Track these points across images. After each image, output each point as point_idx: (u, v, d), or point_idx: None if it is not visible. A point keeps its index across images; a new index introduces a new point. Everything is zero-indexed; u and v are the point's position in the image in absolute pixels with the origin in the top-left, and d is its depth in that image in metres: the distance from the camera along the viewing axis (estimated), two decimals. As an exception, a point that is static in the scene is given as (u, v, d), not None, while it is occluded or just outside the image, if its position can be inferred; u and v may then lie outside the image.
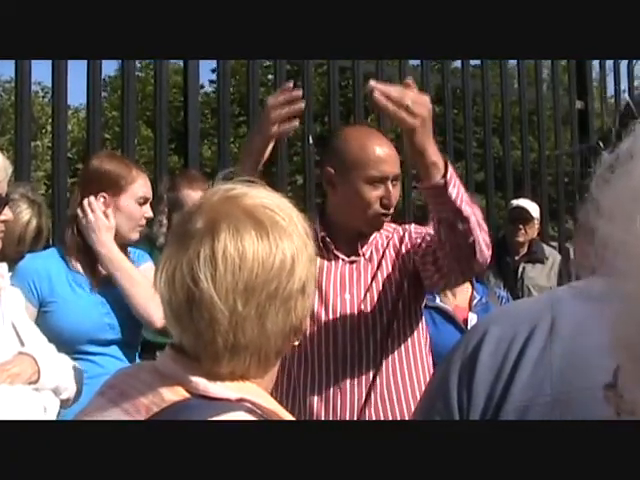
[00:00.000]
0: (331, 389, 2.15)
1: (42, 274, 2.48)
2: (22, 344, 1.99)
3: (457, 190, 1.89)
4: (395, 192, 2.16)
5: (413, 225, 2.32)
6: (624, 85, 6.44)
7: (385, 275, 2.21)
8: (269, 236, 1.05)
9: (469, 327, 2.38)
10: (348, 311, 2.17)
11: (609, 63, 6.30)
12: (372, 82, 1.86)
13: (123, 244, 2.61)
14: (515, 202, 4.83)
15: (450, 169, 1.88)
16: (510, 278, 4.53)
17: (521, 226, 4.60)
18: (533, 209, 4.69)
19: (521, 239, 4.61)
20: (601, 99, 6.48)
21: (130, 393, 1.09)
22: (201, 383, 1.05)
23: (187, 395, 1.05)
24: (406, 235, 2.23)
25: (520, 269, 4.57)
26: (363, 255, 2.22)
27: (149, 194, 2.66)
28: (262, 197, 1.10)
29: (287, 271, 1.05)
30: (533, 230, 4.67)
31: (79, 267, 2.54)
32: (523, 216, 4.61)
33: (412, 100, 1.82)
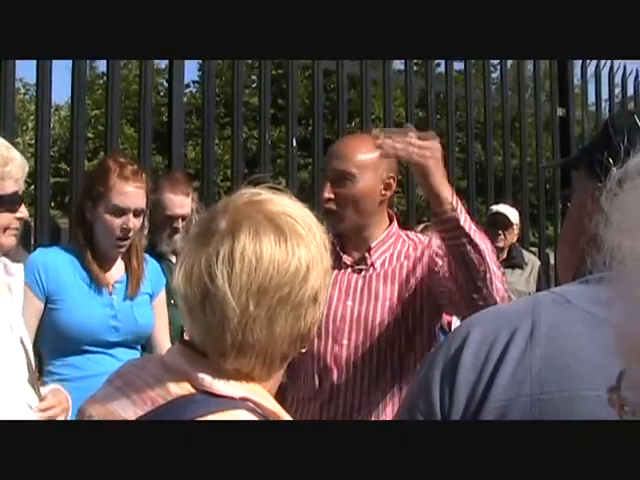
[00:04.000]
0: (327, 393, 2.17)
1: (50, 268, 2.46)
2: (26, 354, 2.01)
3: (468, 222, 1.91)
4: None
5: (435, 242, 2.16)
6: (605, 93, 6.52)
7: (396, 286, 2.18)
8: (287, 242, 1.08)
9: (452, 329, 2.39)
10: (348, 317, 2.17)
11: (590, 71, 6.37)
12: (376, 133, 1.91)
13: (108, 254, 2.56)
14: (494, 208, 4.86)
15: (459, 202, 1.90)
16: (490, 283, 4.57)
17: (500, 231, 4.64)
18: (512, 214, 4.72)
19: (500, 244, 4.65)
20: (582, 106, 6.55)
21: (137, 384, 1.12)
22: (207, 379, 1.08)
23: (192, 390, 1.08)
24: (426, 252, 2.18)
25: (500, 274, 4.60)
26: (373, 264, 2.20)
27: (127, 203, 2.48)
28: (285, 205, 1.13)
29: (301, 278, 1.08)
30: (512, 235, 4.71)
31: (92, 266, 2.51)
32: (502, 221, 4.65)
33: (419, 144, 1.88)
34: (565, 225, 1.08)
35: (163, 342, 2.67)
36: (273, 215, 1.10)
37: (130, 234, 2.52)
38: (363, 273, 2.21)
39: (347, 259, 2.23)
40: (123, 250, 2.56)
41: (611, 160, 0.63)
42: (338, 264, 2.20)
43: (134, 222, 2.52)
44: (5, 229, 1.97)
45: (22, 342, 2.03)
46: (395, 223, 2.28)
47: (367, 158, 2.16)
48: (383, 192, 2.20)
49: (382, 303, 2.17)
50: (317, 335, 2.15)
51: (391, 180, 2.21)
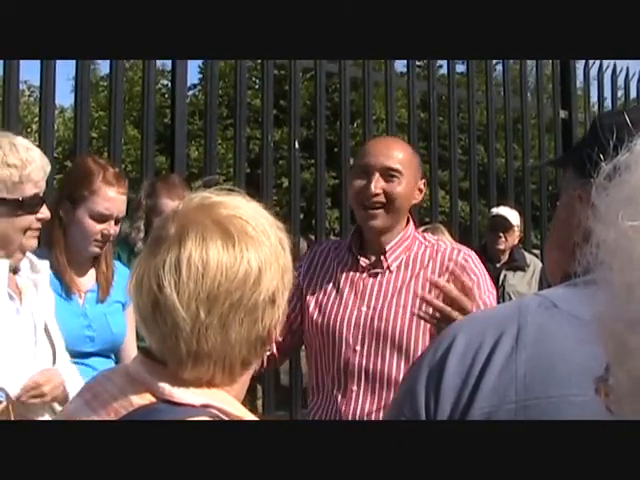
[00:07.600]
0: (338, 399, 2.17)
1: None
2: (52, 347, 2.02)
3: None
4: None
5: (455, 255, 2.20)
6: (607, 95, 6.51)
7: (412, 294, 2.16)
8: (235, 246, 1.05)
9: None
10: (362, 324, 2.17)
11: (593, 73, 6.37)
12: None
13: (81, 258, 2.51)
14: (494, 210, 4.85)
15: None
16: (491, 285, 4.56)
17: (501, 234, 4.64)
18: (512, 216, 4.72)
19: (501, 247, 4.65)
20: (585, 108, 6.54)
21: (103, 396, 1.11)
22: (167, 388, 1.06)
23: (153, 400, 1.06)
24: (448, 267, 2.16)
25: (501, 276, 4.60)
26: (389, 267, 2.20)
27: (112, 210, 2.44)
28: (237, 207, 1.10)
29: (252, 282, 1.05)
30: (513, 238, 4.71)
31: (66, 273, 2.46)
32: (503, 224, 4.64)
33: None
34: (553, 226, 1.08)
35: (131, 352, 2.61)
36: (222, 219, 1.07)
37: (110, 239, 2.49)
38: (379, 277, 2.20)
39: (364, 261, 2.22)
40: (99, 251, 2.49)
41: (601, 156, 0.65)
42: (355, 266, 2.22)
43: (115, 229, 2.49)
44: (26, 230, 1.96)
45: (50, 338, 2.04)
46: (411, 224, 2.27)
47: (411, 159, 2.21)
48: (416, 196, 2.23)
49: (396, 310, 2.16)
50: (332, 340, 2.18)
51: (422, 186, 2.25)
